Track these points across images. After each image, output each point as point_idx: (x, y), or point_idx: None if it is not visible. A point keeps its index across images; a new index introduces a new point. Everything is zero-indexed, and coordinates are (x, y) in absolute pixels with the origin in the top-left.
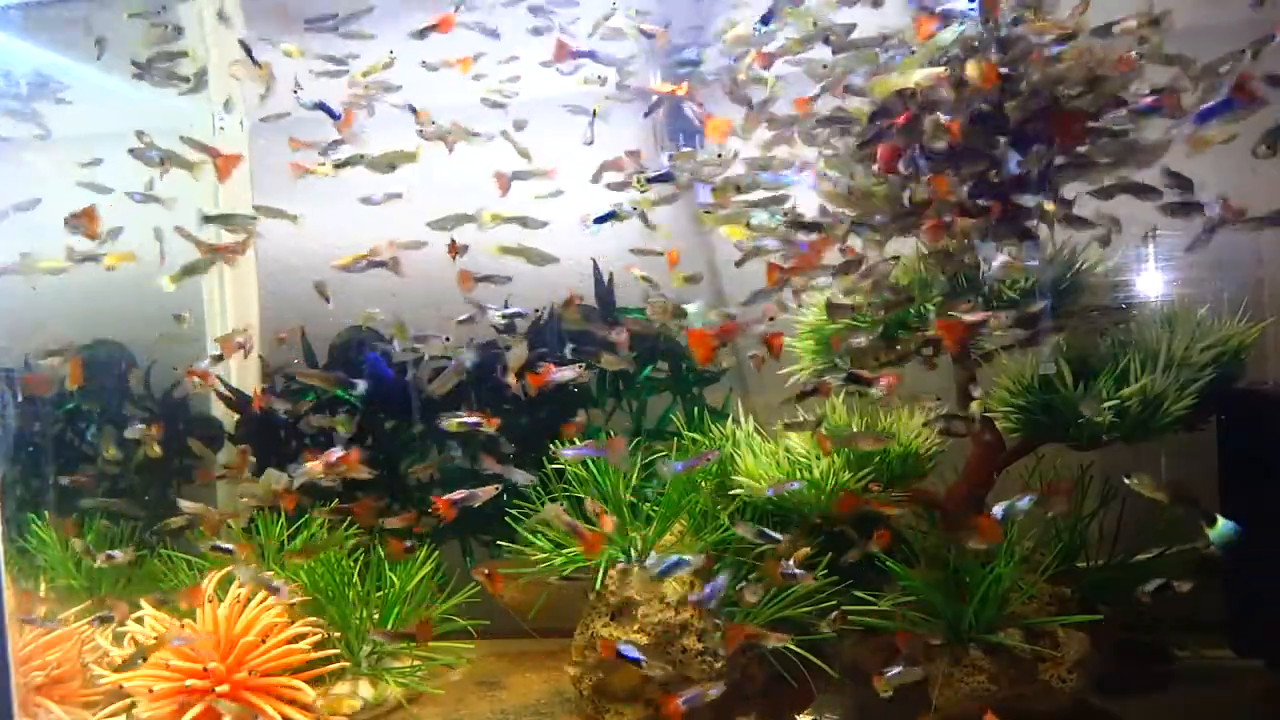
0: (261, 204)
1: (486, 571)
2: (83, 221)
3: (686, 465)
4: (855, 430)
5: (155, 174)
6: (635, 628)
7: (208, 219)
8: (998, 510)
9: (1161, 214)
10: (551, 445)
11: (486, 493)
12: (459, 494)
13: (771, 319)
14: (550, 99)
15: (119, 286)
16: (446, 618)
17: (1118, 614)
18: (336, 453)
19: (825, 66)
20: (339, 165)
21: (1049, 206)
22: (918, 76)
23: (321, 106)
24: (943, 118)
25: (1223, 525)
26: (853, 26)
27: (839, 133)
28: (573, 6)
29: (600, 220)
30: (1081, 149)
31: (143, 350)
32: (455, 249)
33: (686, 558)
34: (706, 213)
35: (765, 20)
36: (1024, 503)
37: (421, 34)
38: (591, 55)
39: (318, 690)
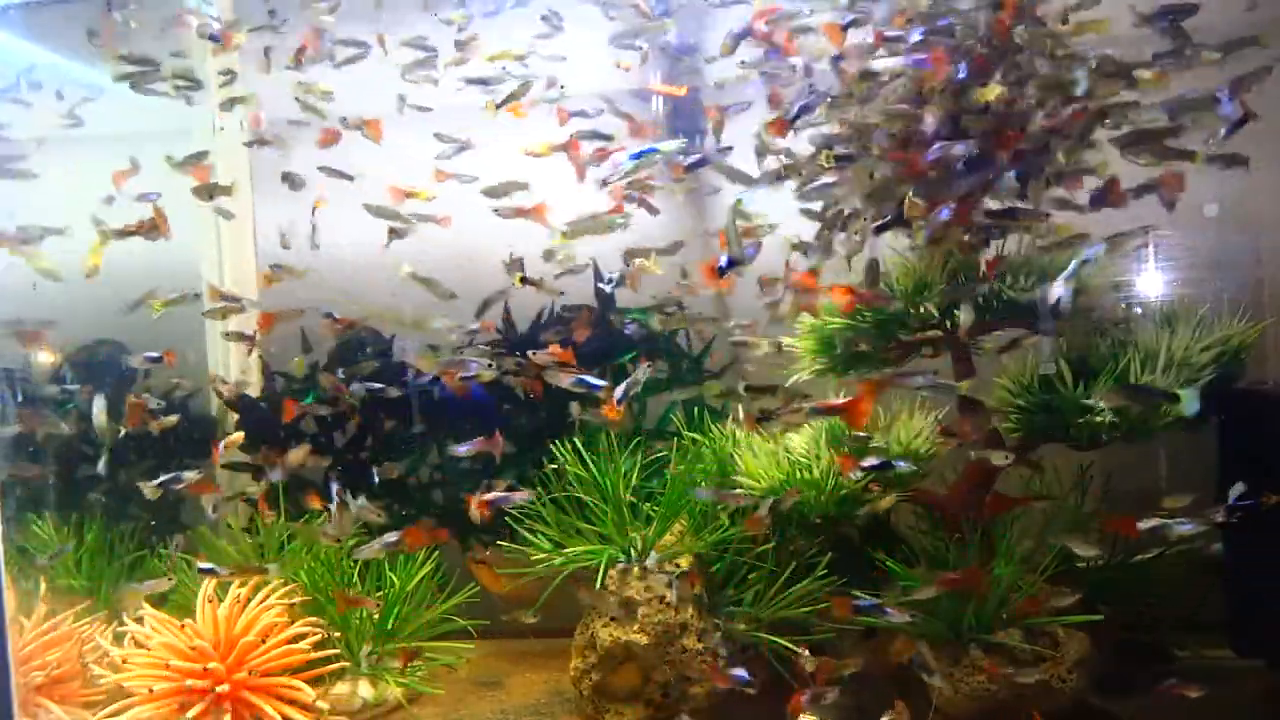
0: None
1: (480, 560)
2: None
3: (713, 493)
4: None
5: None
6: (635, 628)
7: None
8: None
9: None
10: (552, 445)
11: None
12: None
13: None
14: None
15: (119, 287)
16: (446, 618)
17: (1118, 614)
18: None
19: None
20: None
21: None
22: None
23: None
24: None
25: (1187, 395)
26: None
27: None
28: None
29: (636, 157)
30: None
31: (142, 350)
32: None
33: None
34: None
35: None
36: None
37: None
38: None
39: (318, 690)
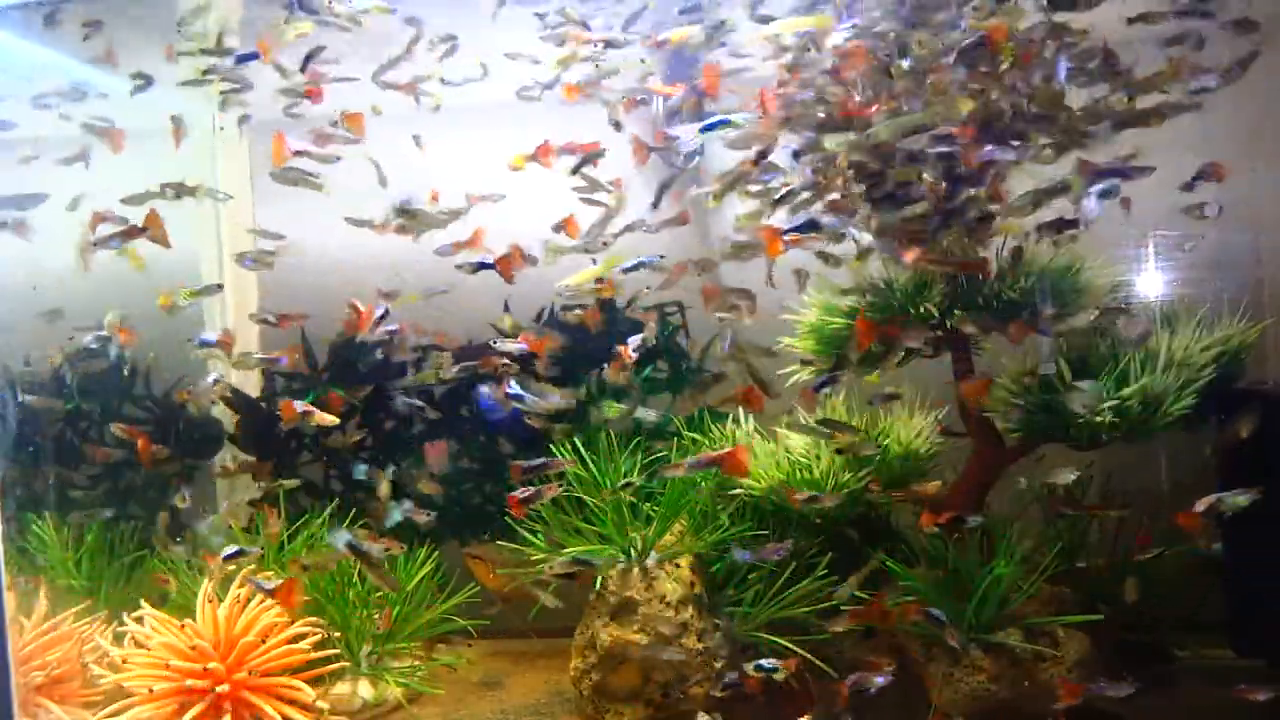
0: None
1: (475, 555)
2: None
3: (753, 556)
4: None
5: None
6: (635, 628)
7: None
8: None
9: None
10: (550, 445)
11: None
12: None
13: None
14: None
15: (120, 286)
16: (446, 618)
17: (1118, 614)
18: None
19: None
20: None
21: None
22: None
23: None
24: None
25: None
26: None
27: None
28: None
29: (708, 129)
30: None
31: (142, 350)
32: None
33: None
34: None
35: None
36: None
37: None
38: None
39: (318, 690)
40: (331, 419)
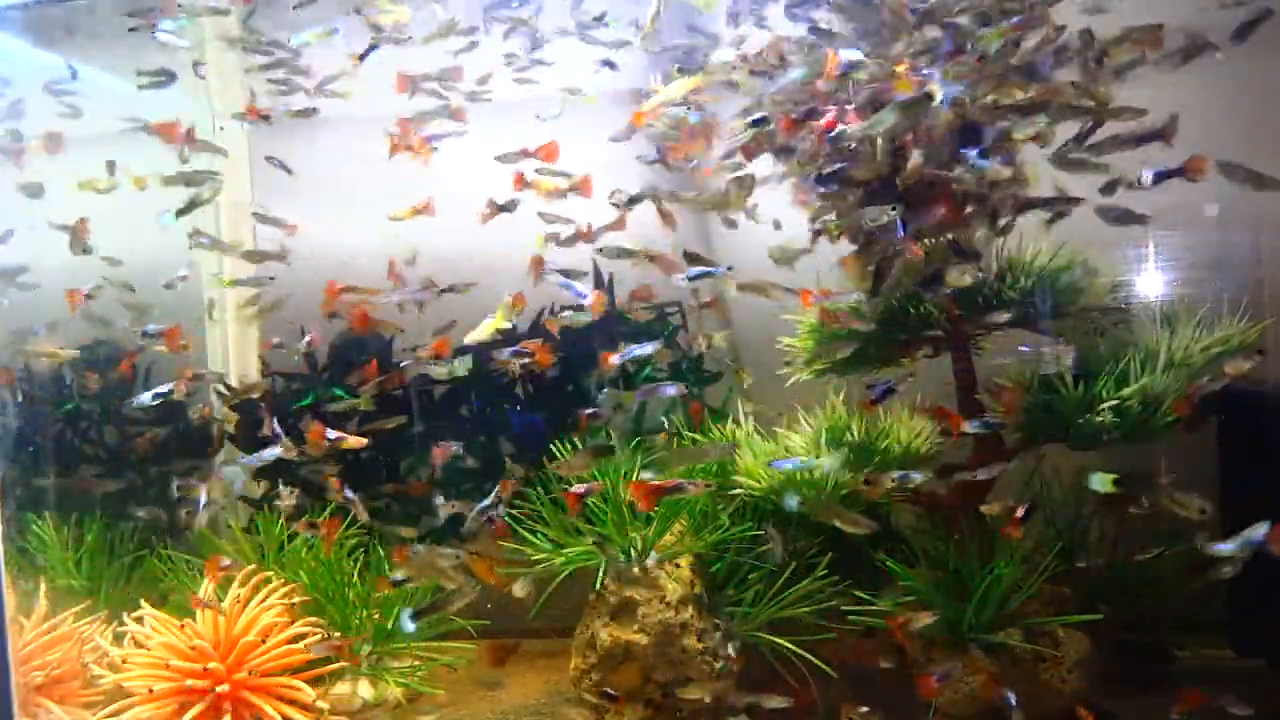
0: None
1: (475, 552)
2: None
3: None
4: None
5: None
6: (635, 628)
7: None
8: None
9: None
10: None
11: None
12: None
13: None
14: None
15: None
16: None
17: (1118, 614)
18: None
19: None
20: None
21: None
22: None
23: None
24: None
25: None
26: None
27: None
28: None
29: (755, 124)
30: None
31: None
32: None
33: None
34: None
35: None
36: None
37: None
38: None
39: (318, 690)
40: (359, 440)
